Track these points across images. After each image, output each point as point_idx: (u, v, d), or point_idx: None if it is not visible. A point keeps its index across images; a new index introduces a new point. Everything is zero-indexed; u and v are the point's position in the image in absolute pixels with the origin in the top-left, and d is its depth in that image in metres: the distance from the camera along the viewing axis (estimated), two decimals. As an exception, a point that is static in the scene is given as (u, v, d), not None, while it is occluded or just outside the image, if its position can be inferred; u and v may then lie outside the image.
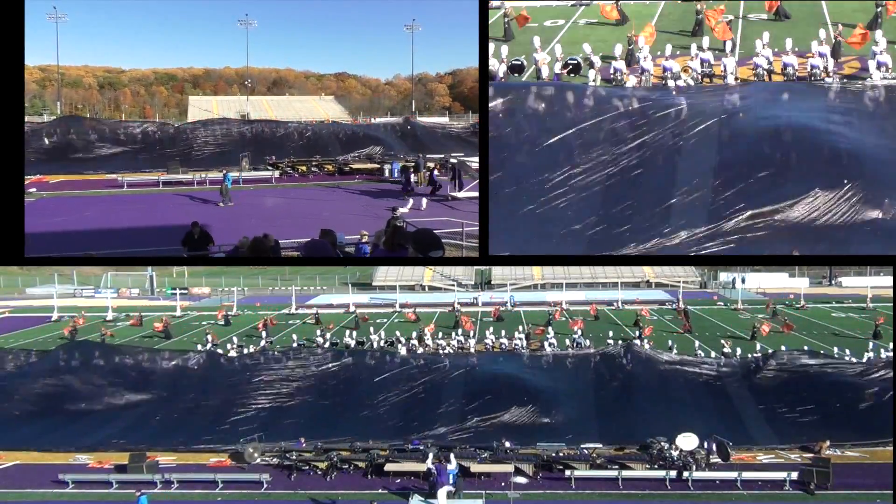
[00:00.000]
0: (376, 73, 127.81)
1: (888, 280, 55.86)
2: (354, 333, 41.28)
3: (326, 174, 38.26)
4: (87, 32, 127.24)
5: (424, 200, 29.89)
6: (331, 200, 32.13)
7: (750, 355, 30.27)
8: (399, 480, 20.35)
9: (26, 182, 33.87)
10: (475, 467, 20.38)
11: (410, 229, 19.15)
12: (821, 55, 23.66)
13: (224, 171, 32.25)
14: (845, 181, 17.70)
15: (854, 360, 28.80)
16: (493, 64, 24.52)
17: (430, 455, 20.63)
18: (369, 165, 38.85)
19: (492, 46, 25.17)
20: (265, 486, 20.06)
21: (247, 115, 64.56)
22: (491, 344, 38.03)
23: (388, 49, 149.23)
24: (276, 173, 37.33)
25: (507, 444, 21.46)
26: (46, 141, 40.90)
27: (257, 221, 26.71)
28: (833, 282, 71.53)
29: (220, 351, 34.54)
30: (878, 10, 25.18)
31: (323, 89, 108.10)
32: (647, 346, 31.92)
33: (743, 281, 64.03)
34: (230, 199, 30.35)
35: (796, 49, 23.84)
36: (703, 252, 17.30)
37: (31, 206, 27.34)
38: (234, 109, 73.37)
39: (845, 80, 22.67)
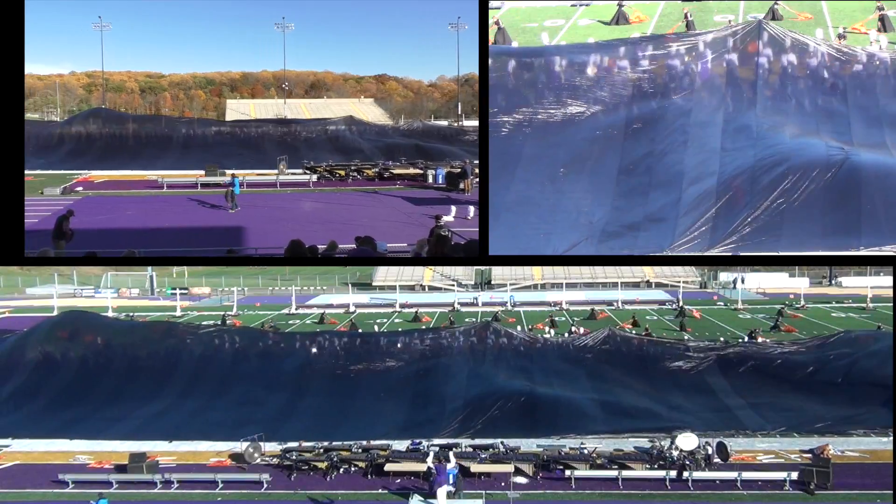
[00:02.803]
0: (419, 75, 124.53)
1: (888, 280, 55.85)
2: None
3: (366, 179, 36.72)
4: (130, 39, 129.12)
5: (472, 209, 28.47)
6: (370, 206, 30.95)
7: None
8: (399, 480, 20.37)
9: (74, 181, 35.68)
10: (475, 467, 20.39)
11: (456, 239, 18.63)
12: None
13: (232, 176, 31.43)
14: None
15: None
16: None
17: (430, 455, 20.67)
18: (411, 171, 37.07)
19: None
20: (265, 486, 20.07)
21: (284, 118, 63.79)
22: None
23: (431, 50, 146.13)
24: (314, 177, 36.16)
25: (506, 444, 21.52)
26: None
27: (294, 225, 26.50)
28: (833, 282, 71.49)
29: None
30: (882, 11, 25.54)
31: (362, 92, 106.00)
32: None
33: (743, 281, 63.97)
34: (237, 204, 29.39)
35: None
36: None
37: (78, 203, 29.34)
38: (271, 112, 72.78)
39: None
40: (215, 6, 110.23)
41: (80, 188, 34.11)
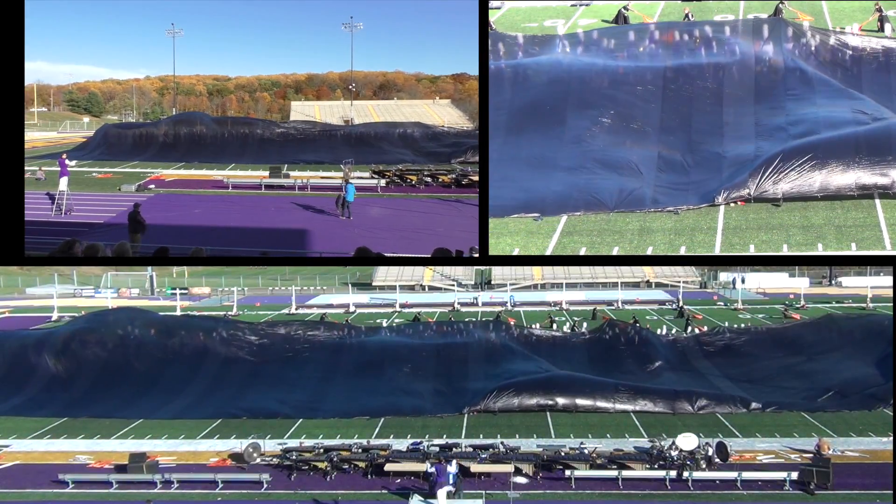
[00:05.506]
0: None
1: (888, 280, 55.82)
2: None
3: (441, 186, 34.72)
4: (199, 43, 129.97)
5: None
6: (444, 214, 29.40)
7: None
8: (399, 480, 20.37)
9: (147, 178, 36.59)
10: (475, 467, 20.39)
11: None
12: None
13: (345, 181, 29.75)
14: None
15: None
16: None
17: (431, 455, 20.67)
18: None
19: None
20: (265, 486, 20.07)
21: (350, 121, 62.64)
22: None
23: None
24: (382, 182, 34.54)
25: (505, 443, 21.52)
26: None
27: (360, 231, 26.08)
28: (833, 282, 71.44)
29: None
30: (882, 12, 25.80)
31: (438, 92, 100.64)
32: None
33: (743, 281, 63.90)
34: (350, 212, 28.18)
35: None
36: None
37: (150, 200, 30.93)
38: (337, 114, 71.12)
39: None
40: (282, 7, 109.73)
41: (152, 186, 35.13)
